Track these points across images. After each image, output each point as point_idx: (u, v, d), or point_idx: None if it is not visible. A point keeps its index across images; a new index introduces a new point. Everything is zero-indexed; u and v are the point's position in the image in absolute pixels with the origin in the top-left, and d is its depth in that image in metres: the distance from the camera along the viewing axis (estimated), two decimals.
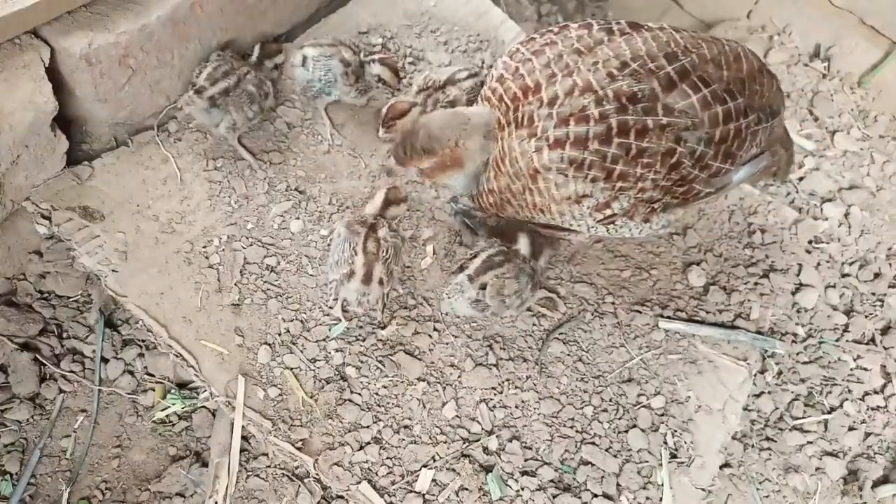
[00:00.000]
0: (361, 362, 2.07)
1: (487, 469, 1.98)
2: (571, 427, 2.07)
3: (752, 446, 2.31)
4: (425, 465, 1.96)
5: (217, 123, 2.25)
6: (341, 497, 1.95)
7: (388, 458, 1.95)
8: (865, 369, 2.49)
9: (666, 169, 1.76)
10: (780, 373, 2.42)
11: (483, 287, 2.02)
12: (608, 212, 1.85)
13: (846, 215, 2.82)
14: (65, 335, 2.18)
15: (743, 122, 1.81)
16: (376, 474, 1.93)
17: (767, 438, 2.33)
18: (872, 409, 2.45)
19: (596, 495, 1.98)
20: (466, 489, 1.94)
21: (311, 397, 2.01)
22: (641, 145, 1.72)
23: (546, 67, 1.79)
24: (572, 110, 1.72)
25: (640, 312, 2.30)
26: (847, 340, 2.53)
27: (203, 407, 2.11)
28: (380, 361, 2.08)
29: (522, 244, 2.13)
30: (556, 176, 1.79)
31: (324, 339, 2.09)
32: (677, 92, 1.72)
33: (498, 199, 1.96)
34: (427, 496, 1.92)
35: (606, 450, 2.05)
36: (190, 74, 2.30)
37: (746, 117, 1.81)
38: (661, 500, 2.01)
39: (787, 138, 2.18)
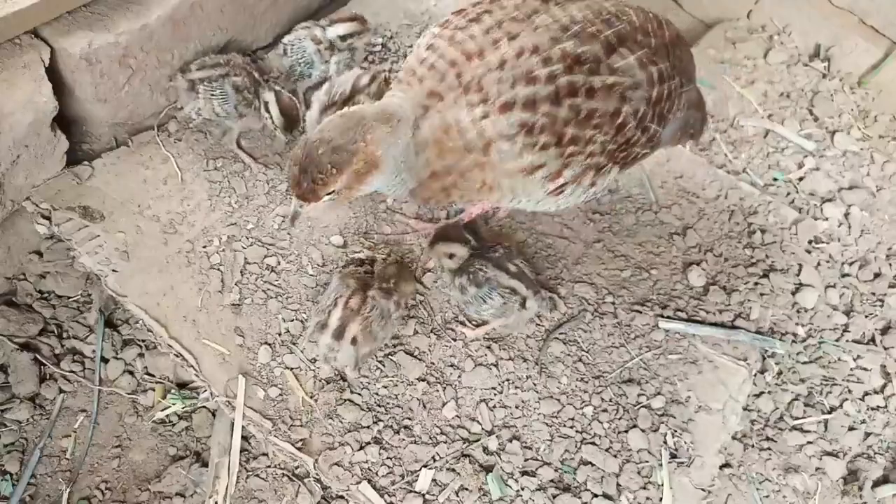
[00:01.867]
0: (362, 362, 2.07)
1: (487, 469, 1.98)
2: (571, 427, 2.07)
3: (752, 446, 2.31)
4: (425, 465, 1.96)
5: (194, 109, 2.27)
6: (341, 497, 1.95)
7: (388, 458, 1.95)
8: (865, 369, 2.49)
9: (613, 130, 1.75)
10: (780, 373, 2.42)
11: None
12: (560, 181, 1.79)
13: (846, 215, 2.82)
14: (65, 335, 2.18)
15: (672, 84, 1.84)
16: (376, 474, 1.93)
17: (767, 438, 2.33)
18: (872, 409, 2.44)
19: (596, 495, 1.98)
20: (466, 489, 1.94)
21: (311, 397, 2.01)
22: (591, 105, 1.68)
23: (487, 34, 1.71)
24: (522, 72, 1.65)
25: (640, 312, 2.30)
26: (847, 340, 2.53)
27: (203, 407, 2.11)
28: (380, 361, 2.08)
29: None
30: (510, 145, 1.69)
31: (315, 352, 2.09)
32: (617, 54, 1.72)
33: (444, 182, 1.77)
34: (427, 496, 1.92)
35: (606, 450, 2.05)
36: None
37: (673, 80, 1.85)
38: (661, 500, 2.01)
39: (700, 100, 2.19)
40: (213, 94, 2.21)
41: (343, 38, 2.44)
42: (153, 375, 2.15)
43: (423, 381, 2.08)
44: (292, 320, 2.11)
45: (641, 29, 1.81)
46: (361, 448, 1.96)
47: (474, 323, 2.17)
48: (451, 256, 2.07)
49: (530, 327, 2.22)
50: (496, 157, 1.71)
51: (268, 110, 2.27)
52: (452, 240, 2.07)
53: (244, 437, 2.04)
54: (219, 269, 2.16)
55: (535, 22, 1.71)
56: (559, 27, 1.70)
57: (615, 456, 2.04)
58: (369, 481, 1.91)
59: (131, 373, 2.15)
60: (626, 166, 1.93)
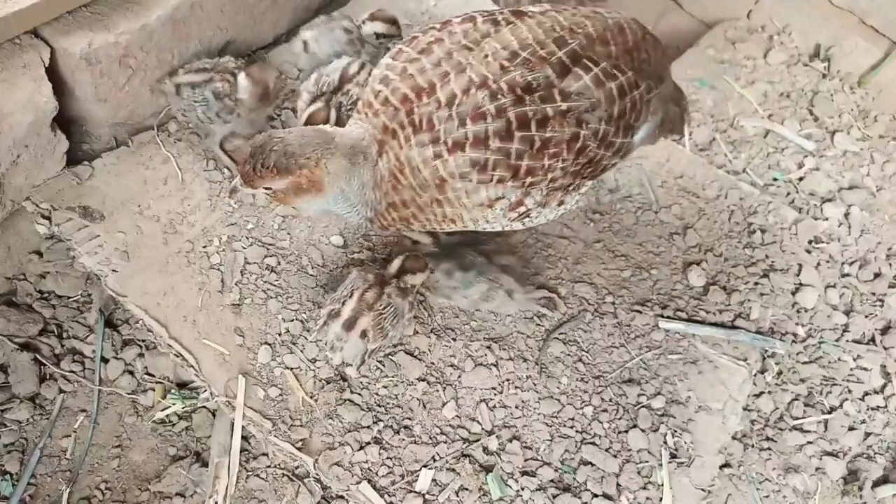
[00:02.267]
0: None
1: (487, 469, 1.98)
2: (571, 427, 2.07)
3: (752, 446, 2.31)
4: (425, 465, 1.96)
5: (180, 111, 2.27)
6: (341, 497, 1.95)
7: (388, 458, 1.95)
8: (865, 369, 2.49)
9: (573, 155, 1.71)
10: (780, 373, 2.42)
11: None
12: (522, 209, 1.78)
13: (846, 215, 2.82)
14: (65, 335, 2.18)
15: (636, 94, 1.78)
16: (376, 474, 1.93)
17: (767, 438, 2.33)
18: (872, 409, 2.45)
19: (596, 495, 1.98)
20: (466, 489, 1.94)
21: (311, 397, 2.01)
22: (545, 135, 1.64)
23: (437, 66, 1.66)
24: (470, 109, 1.61)
25: (641, 312, 2.30)
26: (847, 340, 2.54)
27: (203, 407, 2.11)
28: (380, 361, 2.08)
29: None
30: (465, 184, 1.67)
31: (324, 340, 2.09)
32: (571, 76, 1.67)
33: (402, 213, 1.79)
34: (427, 496, 1.92)
35: (606, 450, 2.05)
36: None
37: (638, 88, 1.79)
38: (661, 500, 2.00)
39: (679, 93, 2.15)
40: (195, 100, 2.20)
41: (378, 36, 2.42)
42: (153, 375, 2.15)
43: (423, 381, 2.08)
44: (292, 320, 2.11)
45: (600, 39, 1.75)
46: (361, 448, 1.95)
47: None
48: (410, 286, 2.02)
49: (530, 327, 2.22)
50: (452, 194, 1.70)
51: (238, 85, 2.22)
52: (413, 270, 2.00)
53: (244, 437, 2.04)
54: (219, 269, 2.16)
55: (485, 49, 1.66)
56: (508, 54, 1.65)
57: (615, 456, 2.04)
58: (369, 481, 1.91)
59: (131, 373, 2.15)
60: (597, 176, 1.89)
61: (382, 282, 1.96)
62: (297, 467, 1.99)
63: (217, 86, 2.19)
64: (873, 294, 2.65)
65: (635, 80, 1.77)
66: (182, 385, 2.15)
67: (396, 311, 1.95)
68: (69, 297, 2.23)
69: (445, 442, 2.00)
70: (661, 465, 2.04)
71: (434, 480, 1.94)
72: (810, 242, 2.67)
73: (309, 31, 2.42)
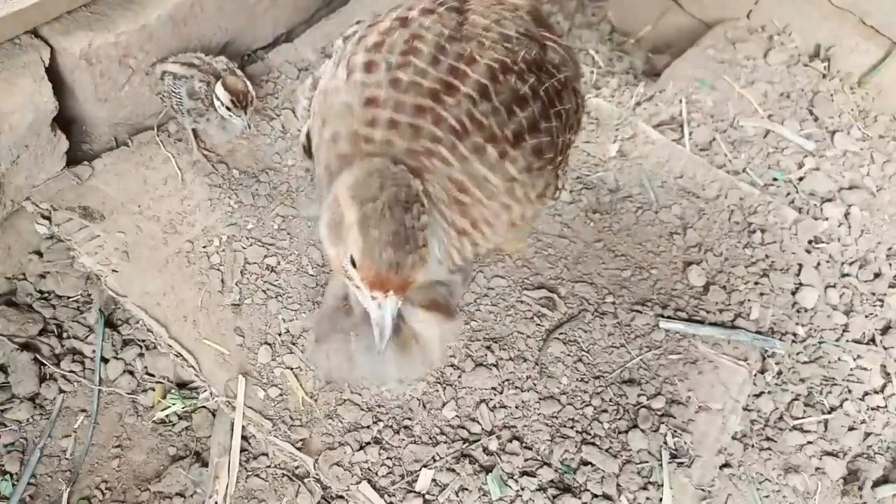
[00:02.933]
0: None
1: (487, 469, 1.98)
2: (572, 427, 2.07)
3: (752, 446, 2.31)
4: (425, 465, 1.96)
5: (158, 94, 2.26)
6: (341, 497, 1.95)
7: (388, 458, 1.95)
8: (865, 369, 2.49)
9: (577, 124, 1.67)
10: (779, 373, 2.42)
11: None
12: (558, 193, 1.66)
13: (846, 215, 2.82)
14: (65, 335, 2.17)
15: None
16: (376, 474, 1.93)
17: (767, 438, 2.32)
18: (872, 409, 2.44)
19: (596, 496, 1.98)
20: (466, 489, 1.94)
21: (311, 397, 2.01)
22: (566, 107, 1.57)
23: (436, 63, 1.42)
24: (510, 95, 1.44)
25: (641, 312, 2.30)
26: (847, 340, 2.53)
27: (203, 407, 2.10)
28: None
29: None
30: (532, 177, 1.50)
31: None
32: (549, 49, 1.61)
33: (473, 237, 1.51)
34: (427, 496, 1.92)
35: (607, 450, 2.05)
36: None
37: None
38: (661, 500, 2.01)
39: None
40: (173, 90, 2.19)
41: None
42: (153, 375, 2.15)
43: (423, 380, 2.08)
44: (292, 320, 2.11)
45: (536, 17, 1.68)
46: (361, 448, 1.96)
47: None
48: None
49: (530, 327, 2.22)
50: (521, 192, 1.51)
51: (216, 97, 2.17)
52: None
53: (244, 437, 2.04)
54: (219, 269, 2.16)
55: (476, 36, 1.49)
56: (499, 36, 1.51)
57: (615, 456, 2.04)
58: (369, 481, 1.91)
59: (131, 373, 2.15)
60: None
61: None
62: (297, 467, 1.99)
63: (195, 85, 2.18)
64: (873, 294, 2.64)
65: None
66: (182, 385, 2.14)
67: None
68: (69, 297, 2.22)
69: (445, 442, 2.00)
70: (661, 465, 2.04)
71: (434, 480, 1.94)
72: (810, 242, 2.67)
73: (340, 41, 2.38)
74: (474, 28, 1.50)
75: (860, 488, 2.30)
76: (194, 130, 2.32)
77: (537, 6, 1.71)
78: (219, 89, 2.15)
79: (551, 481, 1.99)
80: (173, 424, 2.10)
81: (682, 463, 2.07)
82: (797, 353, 2.46)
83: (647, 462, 2.05)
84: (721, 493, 2.19)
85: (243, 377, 1.99)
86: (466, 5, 1.57)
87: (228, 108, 2.15)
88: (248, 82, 2.21)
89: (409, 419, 2.02)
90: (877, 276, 2.68)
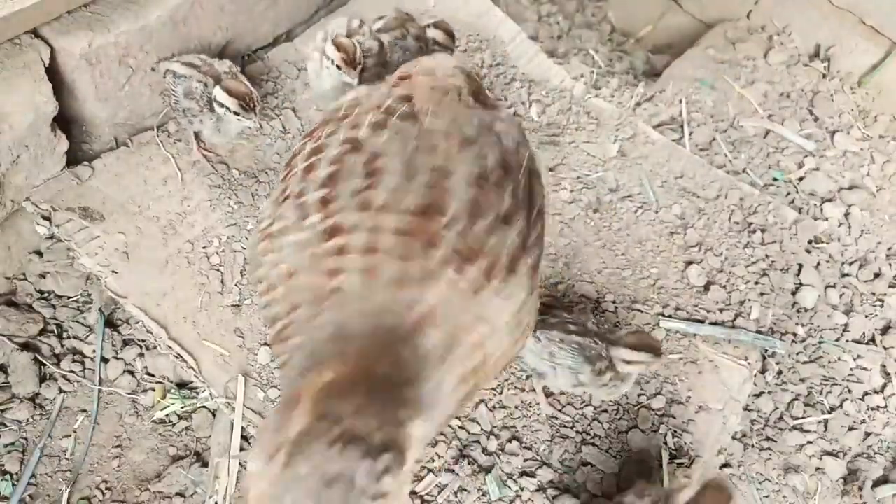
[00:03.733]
0: None
1: (487, 470, 1.98)
2: (571, 428, 2.07)
3: (752, 446, 2.31)
4: (425, 466, 1.96)
5: (162, 92, 2.26)
6: None
7: None
8: (865, 369, 2.49)
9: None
10: (780, 372, 2.42)
11: None
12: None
13: (846, 215, 2.82)
14: (65, 335, 2.17)
15: None
16: None
17: (767, 438, 2.32)
18: (872, 408, 2.45)
19: (595, 496, 1.98)
20: (465, 490, 1.94)
21: None
22: (541, 201, 1.42)
23: (412, 176, 1.21)
24: (497, 211, 1.25)
25: (641, 311, 2.30)
26: (847, 340, 2.54)
27: (203, 407, 2.10)
28: None
29: None
30: (532, 300, 1.32)
31: None
32: (501, 134, 1.46)
33: (472, 391, 1.22)
34: (426, 497, 1.92)
35: (606, 450, 2.05)
36: None
37: None
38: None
39: None
40: (173, 89, 2.19)
41: (437, 43, 2.42)
42: (153, 375, 2.15)
43: None
44: None
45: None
46: None
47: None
48: None
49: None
50: (527, 320, 1.30)
51: (218, 102, 2.15)
52: None
53: (244, 437, 2.04)
54: (219, 270, 2.16)
55: (443, 144, 1.30)
56: (463, 141, 1.33)
57: (615, 457, 2.04)
58: None
59: (131, 373, 2.15)
60: None
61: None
62: None
63: (192, 85, 2.17)
64: (873, 294, 2.65)
65: None
66: (182, 385, 2.14)
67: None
68: (69, 297, 2.22)
69: (444, 442, 2.00)
70: (661, 465, 2.04)
71: (433, 481, 1.94)
72: (810, 242, 2.67)
73: (386, 35, 2.38)
74: (433, 136, 1.31)
75: (860, 488, 2.30)
76: (196, 133, 2.32)
77: (475, 79, 1.60)
78: (220, 94, 2.13)
79: (550, 481, 1.99)
80: (173, 424, 2.10)
81: (682, 463, 2.07)
82: (797, 353, 2.46)
83: (647, 462, 2.05)
84: None
85: (243, 378, 1.99)
86: (414, 106, 1.39)
87: (237, 113, 2.13)
88: (249, 83, 2.21)
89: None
90: (877, 276, 2.68)
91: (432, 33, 2.42)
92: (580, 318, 2.00)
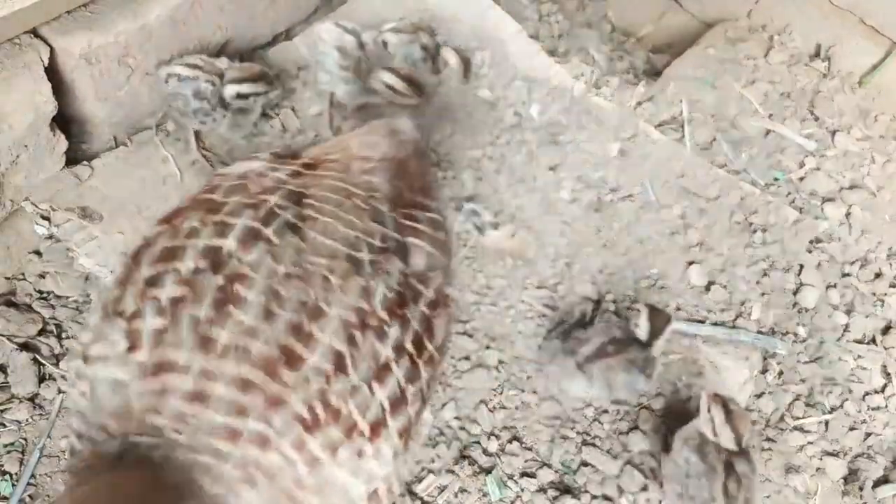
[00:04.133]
0: None
1: (487, 470, 1.98)
2: (572, 428, 2.07)
3: (753, 447, 2.31)
4: (425, 467, 1.95)
5: (166, 98, 2.25)
6: None
7: None
8: (866, 369, 2.49)
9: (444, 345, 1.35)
10: (780, 373, 2.41)
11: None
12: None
13: (847, 215, 2.82)
14: (64, 335, 2.17)
15: None
16: None
17: (768, 439, 2.32)
18: (873, 409, 2.44)
19: (596, 497, 1.98)
20: (466, 490, 1.94)
21: None
22: (437, 344, 1.25)
23: (268, 317, 1.02)
24: (372, 365, 1.07)
25: (641, 311, 2.30)
26: (848, 340, 2.53)
27: None
28: None
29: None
30: (395, 465, 1.11)
31: None
32: (412, 250, 1.30)
33: None
34: (426, 498, 1.92)
35: (607, 451, 2.04)
36: None
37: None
38: (660, 502, 2.00)
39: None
40: (178, 93, 2.18)
41: (447, 66, 2.45)
42: None
43: None
44: None
45: (392, 181, 1.37)
46: None
47: None
48: None
49: (530, 327, 2.21)
50: (384, 488, 1.10)
51: (240, 95, 2.19)
52: None
53: None
54: None
55: (325, 269, 1.10)
56: (351, 265, 1.13)
57: (616, 457, 2.04)
58: None
59: None
60: None
61: None
62: None
63: (200, 85, 2.17)
64: (874, 294, 2.64)
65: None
66: None
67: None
68: (69, 297, 2.22)
69: (445, 443, 1.99)
70: (661, 466, 2.04)
71: (433, 482, 1.93)
72: (811, 242, 2.67)
73: (393, 35, 2.41)
74: (317, 254, 1.12)
75: (861, 488, 2.30)
76: (197, 132, 2.32)
77: (415, 167, 1.44)
78: (231, 88, 2.17)
79: (551, 482, 1.99)
80: None
81: None
82: (798, 353, 2.46)
83: (648, 463, 2.04)
84: None
85: None
86: (305, 209, 1.19)
87: (258, 94, 2.20)
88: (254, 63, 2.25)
89: None
90: (877, 276, 2.68)
91: (447, 55, 2.41)
92: (608, 330, 2.01)
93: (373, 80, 2.26)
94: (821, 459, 2.32)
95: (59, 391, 2.08)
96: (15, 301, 2.18)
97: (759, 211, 2.63)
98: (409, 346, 1.12)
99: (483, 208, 2.39)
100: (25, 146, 2.00)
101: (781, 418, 2.36)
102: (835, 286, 2.62)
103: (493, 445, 2.01)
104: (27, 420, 2.03)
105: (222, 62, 2.26)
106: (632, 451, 2.06)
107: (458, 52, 2.43)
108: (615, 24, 3.82)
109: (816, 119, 3.11)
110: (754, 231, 2.58)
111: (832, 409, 2.41)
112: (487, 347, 2.14)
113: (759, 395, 2.36)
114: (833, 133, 3.06)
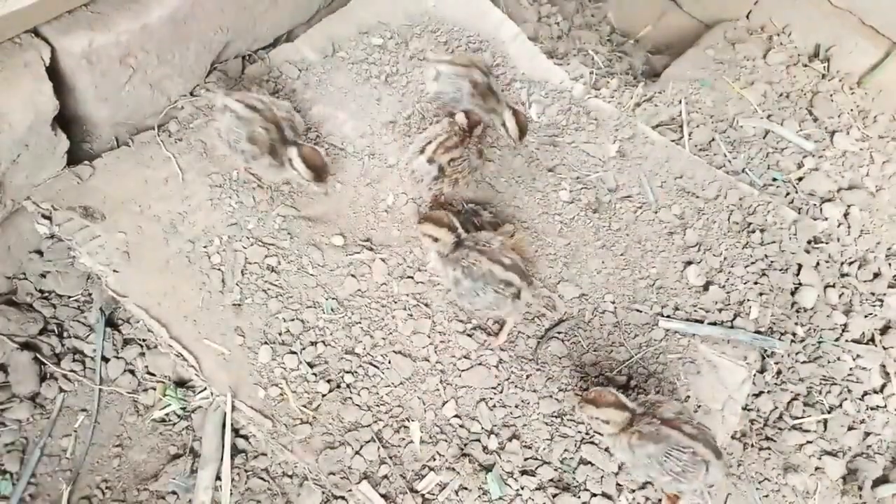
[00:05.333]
0: (362, 362, 2.08)
1: (487, 468, 1.98)
2: (571, 426, 2.07)
3: (752, 446, 2.31)
4: (425, 465, 1.96)
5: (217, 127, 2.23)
6: (341, 497, 1.95)
7: (388, 457, 1.96)
8: (865, 369, 2.50)
9: None
10: (779, 372, 2.42)
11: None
12: None
13: (845, 215, 2.82)
14: (65, 334, 2.18)
15: None
16: (376, 474, 1.93)
17: (767, 438, 2.33)
18: (872, 408, 2.45)
19: (595, 494, 1.98)
20: (466, 488, 1.94)
21: (310, 397, 2.01)
22: None
23: None
24: None
25: (640, 311, 2.31)
26: (846, 340, 2.54)
27: (203, 406, 2.10)
28: (379, 362, 2.08)
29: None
30: None
31: (322, 342, 2.09)
32: None
33: None
34: (427, 495, 1.92)
35: (606, 449, 2.05)
36: (190, 74, 2.31)
37: None
38: (660, 500, 2.01)
39: None
40: (232, 129, 2.15)
41: (504, 127, 2.46)
42: (154, 375, 2.15)
43: (423, 380, 2.08)
44: (293, 320, 2.11)
45: None
46: (361, 448, 1.96)
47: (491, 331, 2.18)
48: (434, 240, 2.05)
49: (530, 327, 2.22)
50: None
51: (293, 167, 2.18)
52: (437, 223, 2.04)
53: (244, 437, 2.04)
54: (219, 269, 2.16)
55: None
56: None
57: (614, 455, 2.04)
58: (369, 481, 1.91)
59: (132, 372, 2.15)
60: None
61: (465, 137, 2.25)
62: (297, 467, 1.99)
63: (255, 130, 2.14)
64: (872, 294, 2.65)
65: None
66: (181, 384, 2.15)
67: (470, 165, 2.27)
68: (70, 297, 2.22)
69: (445, 441, 2.00)
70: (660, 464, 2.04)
71: (434, 480, 1.94)
72: (809, 242, 2.67)
73: (446, 66, 2.43)
74: None
75: (860, 488, 2.31)
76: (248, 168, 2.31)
77: None
78: (297, 161, 2.16)
79: (551, 480, 1.99)
80: (174, 424, 2.10)
81: None
82: (796, 353, 2.47)
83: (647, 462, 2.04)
84: (721, 492, 2.19)
85: (243, 377, 2.00)
86: None
87: (309, 181, 2.20)
88: (322, 151, 2.21)
89: (410, 418, 2.02)
90: (876, 276, 2.68)
91: (505, 114, 2.42)
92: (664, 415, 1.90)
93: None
94: (820, 459, 2.32)
95: (60, 390, 2.09)
96: (16, 300, 2.19)
97: (758, 211, 2.64)
98: None
99: (483, 208, 2.40)
100: (26, 146, 2.01)
101: (780, 417, 2.37)
102: (833, 286, 2.62)
103: (493, 443, 2.02)
104: (28, 419, 2.04)
105: (281, 108, 2.21)
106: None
107: (517, 114, 2.44)
108: (614, 26, 3.83)
109: (815, 119, 3.12)
110: (752, 231, 2.59)
111: (831, 409, 2.41)
112: (488, 346, 2.14)
113: (757, 395, 2.37)
114: (832, 133, 3.07)
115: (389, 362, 2.09)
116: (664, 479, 1.85)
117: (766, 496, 2.24)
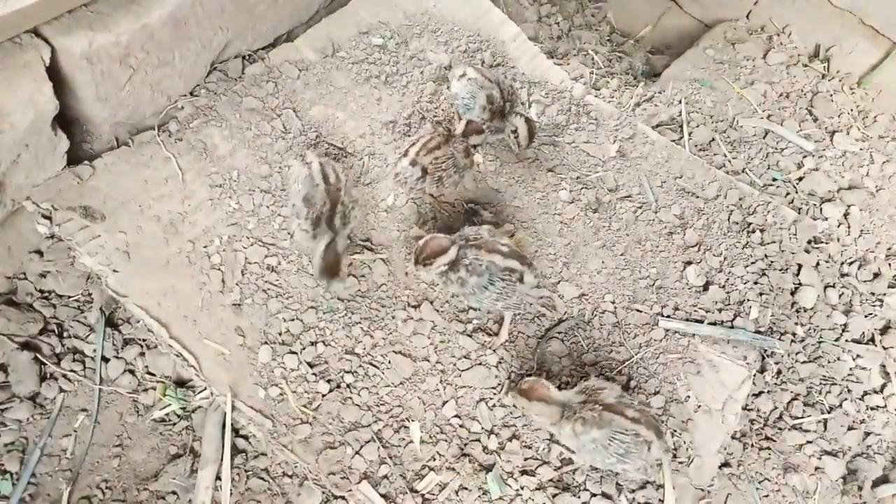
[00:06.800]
0: (362, 362, 2.07)
1: (487, 468, 1.98)
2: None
3: (752, 446, 2.31)
4: (425, 465, 1.96)
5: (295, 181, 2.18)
6: (341, 497, 1.95)
7: (388, 457, 1.96)
8: (865, 369, 2.50)
9: None
10: (779, 372, 2.42)
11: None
12: None
13: (845, 215, 2.82)
14: (65, 334, 2.17)
15: None
16: (376, 474, 1.93)
17: (767, 438, 2.33)
18: (872, 408, 2.45)
19: (595, 495, 1.98)
20: (466, 488, 1.95)
21: (310, 396, 2.01)
22: None
23: None
24: None
25: (640, 311, 2.31)
26: (846, 340, 2.54)
27: (203, 406, 2.10)
28: (379, 362, 2.08)
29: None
30: None
31: (322, 342, 2.09)
32: None
33: None
34: (427, 495, 1.92)
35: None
36: (190, 74, 2.30)
37: None
38: (661, 501, 2.01)
39: None
40: (299, 180, 2.12)
41: (515, 132, 2.50)
42: (154, 374, 2.15)
43: (423, 380, 2.08)
44: (293, 320, 2.11)
45: None
46: (361, 448, 1.96)
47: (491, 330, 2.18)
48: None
49: (530, 327, 2.22)
50: None
51: (314, 257, 2.11)
52: (438, 253, 2.02)
53: (244, 437, 2.04)
54: (219, 269, 2.16)
55: None
56: None
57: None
58: (369, 481, 1.92)
59: (132, 372, 2.15)
60: None
61: (448, 140, 2.31)
62: (296, 467, 1.99)
63: (316, 196, 2.09)
64: (872, 294, 2.65)
65: None
66: (181, 384, 2.15)
67: (455, 164, 2.29)
68: (70, 297, 2.22)
69: (445, 441, 2.00)
70: (660, 464, 2.04)
71: (434, 480, 1.94)
72: (809, 242, 2.67)
73: (473, 71, 2.48)
74: None
75: (860, 488, 2.31)
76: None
77: None
78: (317, 256, 2.08)
79: (550, 480, 1.99)
80: (174, 424, 2.10)
81: (681, 463, 2.07)
82: (796, 353, 2.47)
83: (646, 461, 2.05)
84: (721, 492, 2.20)
85: (243, 377, 2.00)
86: None
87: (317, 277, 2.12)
88: (343, 255, 2.11)
89: (410, 418, 2.02)
90: (876, 276, 2.68)
91: (517, 122, 2.46)
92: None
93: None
94: (820, 459, 2.32)
95: (60, 390, 2.09)
96: (16, 300, 2.19)
97: (758, 211, 2.64)
98: None
99: (483, 208, 2.40)
100: (27, 145, 2.01)
101: (780, 417, 2.37)
102: (833, 286, 2.62)
103: (493, 443, 2.02)
104: (28, 419, 2.04)
105: (353, 193, 2.20)
106: None
107: (528, 121, 2.48)
108: (614, 26, 3.83)
109: (815, 119, 3.12)
110: (752, 231, 2.59)
111: (831, 409, 2.41)
112: (488, 346, 2.15)
113: (757, 395, 2.37)
114: (832, 133, 3.07)
115: (389, 362, 2.09)
116: (609, 462, 1.89)
117: (766, 496, 2.24)
